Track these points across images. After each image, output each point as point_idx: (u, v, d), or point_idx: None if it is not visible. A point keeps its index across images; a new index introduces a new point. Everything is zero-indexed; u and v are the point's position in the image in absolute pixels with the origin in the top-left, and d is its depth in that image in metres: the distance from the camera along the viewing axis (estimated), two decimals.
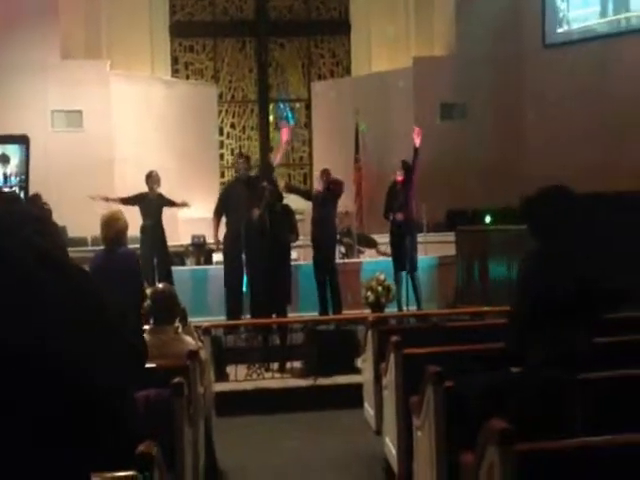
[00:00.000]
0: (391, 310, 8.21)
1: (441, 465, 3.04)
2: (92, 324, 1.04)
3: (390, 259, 8.72)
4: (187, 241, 10.08)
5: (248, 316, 7.75)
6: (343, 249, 9.91)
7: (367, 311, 7.87)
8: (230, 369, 6.62)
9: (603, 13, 11.91)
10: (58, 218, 5.03)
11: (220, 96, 13.90)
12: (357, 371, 6.08)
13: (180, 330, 4.22)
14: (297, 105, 14.41)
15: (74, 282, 1.06)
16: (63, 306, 1.01)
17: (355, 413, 5.26)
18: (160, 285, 4.77)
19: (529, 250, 3.20)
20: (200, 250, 9.79)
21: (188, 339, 4.20)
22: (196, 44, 13.96)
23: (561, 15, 12.31)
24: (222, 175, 13.66)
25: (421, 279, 8.50)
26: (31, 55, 11.09)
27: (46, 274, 1.02)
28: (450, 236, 9.41)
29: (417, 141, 8.43)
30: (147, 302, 4.43)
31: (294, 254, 8.54)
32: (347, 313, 8.07)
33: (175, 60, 13.81)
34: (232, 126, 14.14)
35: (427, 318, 7.15)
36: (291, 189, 8.76)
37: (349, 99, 12.95)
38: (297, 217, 7.86)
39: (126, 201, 8.35)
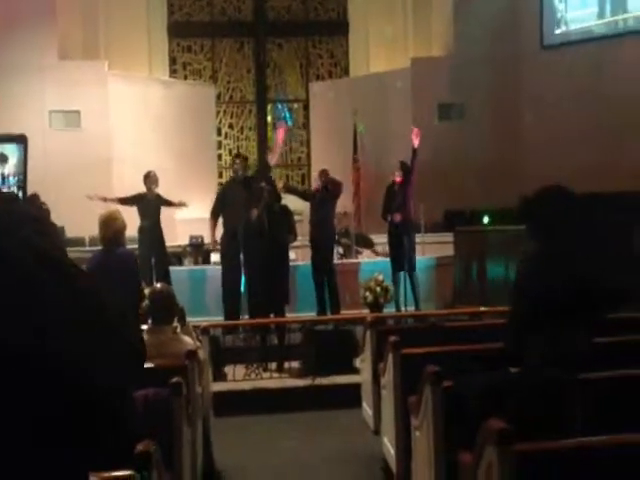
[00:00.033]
0: (389, 310, 8.22)
1: (439, 465, 3.04)
2: (92, 324, 1.04)
3: (388, 259, 8.73)
4: (185, 241, 10.08)
5: (246, 316, 7.75)
6: (341, 249, 9.92)
7: (365, 311, 7.88)
8: (228, 369, 6.62)
9: (601, 14, 11.92)
10: (56, 218, 5.02)
11: (218, 96, 13.90)
12: (355, 371, 6.08)
13: (178, 330, 4.22)
14: (295, 106, 14.42)
15: (74, 282, 1.06)
16: (63, 306, 1.01)
17: (353, 413, 5.26)
18: (158, 285, 4.76)
19: (527, 250, 3.20)
20: (198, 250, 9.79)
21: (186, 339, 4.19)
22: (194, 44, 13.96)
23: (559, 16, 12.32)
24: (220, 175, 13.66)
25: (419, 279, 8.51)
26: (29, 55, 11.09)
27: (46, 274, 1.01)
28: (448, 236, 9.42)
29: (416, 142, 8.44)
30: (145, 302, 4.42)
31: (292, 254, 8.54)
32: (345, 313, 8.08)
33: (173, 60, 13.80)
34: (230, 126, 14.14)
35: (425, 318, 7.15)
36: (290, 190, 8.77)
37: (347, 100, 12.96)
38: (295, 218, 7.87)
39: (124, 201, 8.35)
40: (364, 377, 5.12)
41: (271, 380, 6.63)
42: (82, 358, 1.00)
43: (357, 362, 5.99)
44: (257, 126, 14.05)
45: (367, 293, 8.14)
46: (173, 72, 13.75)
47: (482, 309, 6.99)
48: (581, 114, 11.37)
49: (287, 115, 14.34)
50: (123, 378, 1.08)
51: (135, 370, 1.17)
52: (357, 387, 5.29)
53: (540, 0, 12.21)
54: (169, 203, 8.83)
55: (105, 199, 8.39)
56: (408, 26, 13.31)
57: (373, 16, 13.47)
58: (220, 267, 8.48)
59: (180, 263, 9.74)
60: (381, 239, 9.60)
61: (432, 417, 3.08)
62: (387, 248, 8.97)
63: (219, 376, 6.38)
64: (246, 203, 7.49)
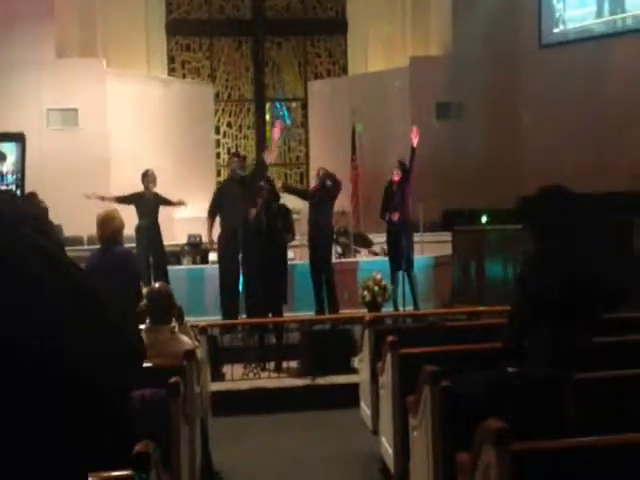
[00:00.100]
0: (387, 310, 8.21)
1: (437, 465, 3.04)
2: (92, 324, 1.04)
3: (386, 258, 8.73)
4: (183, 240, 10.06)
5: (244, 316, 7.75)
6: (339, 249, 9.91)
7: (363, 311, 7.87)
8: (226, 369, 6.62)
9: (599, 13, 11.93)
10: (54, 217, 5.00)
11: (216, 95, 13.89)
12: (353, 371, 6.08)
13: (176, 329, 4.21)
14: (293, 104, 14.41)
15: (74, 282, 1.05)
16: (64, 306, 1.01)
17: (351, 413, 5.26)
18: (156, 284, 4.75)
19: (527, 250, 3.20)
20: (196, 249, 9.78)
21: (184, 338, 4.19)
22: (192, 43, 13.94)
23: (557, 15, 12.33)
24: (218, 174, 13.64)
25: (418, 279, 8.51)
26: (26, 53, 11.06)
27: (47, 274, 1.01)
28: (446, 236, 9.42)
29: (415, 141, 8.44)
30: (143, 301, 4.41)
31: (291, 254, 8.53)
32: (343, 313, 8.08)
33: (171, 59, 13.79)
34: (228, 125, 14.13)
35: (424, 318, 7.15)
36: (288, 189, 8.76)
37: (345, 98, 12.96)
38: (294, 217, 7.86)
39: (122, 200, 8.33)
40: (362, 377, 5.12)
41: (269, 380, 6.62)
42: (83, 358, 0.99)
43: (355, 362, 5.98)
44: (255, 125, 14.05)
45: (365, 292, 8.14)
46: (171, 70, 13.73)
47: (480, 308, 6.99)
48: (579, 113, 11.38)
49: (285, 114, 14.33)
50: (123, 378, 1.08)
51: (134, 370, 1.17)
52: (355, 387, 5.29)
53: None
54: (167, 202, 8.82)
55: (103, 198, 8.38)
56: (407, 25, 13.31)
57: (372, 15, 13.47)
58: (218, 266, 8.47)
59: (178, 262, 9.73)
60: (379, 238, 9.60)
61: (430, 417, 3.07)
62: (385, 247, 8.97)
63: (217, 376, 6.37)
64: (243, 202, 7.48)
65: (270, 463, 4.93)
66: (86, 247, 9.04)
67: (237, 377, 6.59)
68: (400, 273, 8.38)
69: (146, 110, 12.22)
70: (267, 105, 14.22)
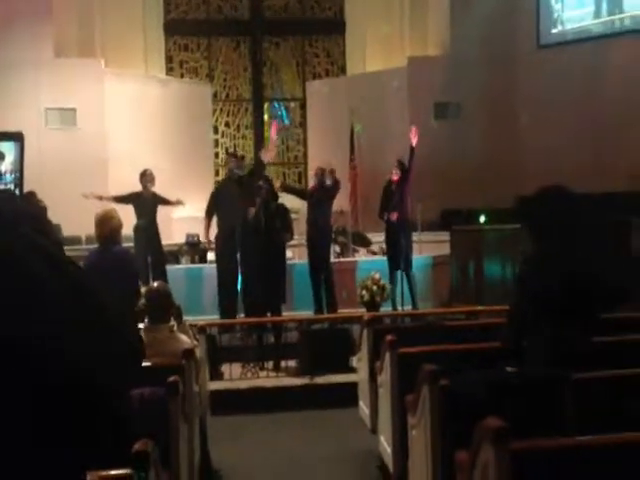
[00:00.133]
0: (386, 309, 8.22)
1: (436, 463, 3.04)
2: (92, 324, 1.03)
3: (384, 258, 8.73)
4: (181, 240, 10.06)
5: (243, 315, 7.74)
6: (338, 248, 9.91)
7: (362, 310, 7.87)
8: (225, 368, 6.62)
9: (597, 14, 11.94)
10: (52, 216, 4.95)
11: (215, 95, 13.89)
12: (352, 370, 6.08)
13: (175, 328, 4.21)
14: (292, 104, 14.41)
15: (73, 280, 1.05)
16: (63, 306, 1.01)
17: (350, 412, 5.26)
18: (155, 284, 4.75)
19: (526, 250, 3.20)
20: (194, 249, 9.78)
21: (183, 337, 4.19)
22: (190, 42, 13.94)
23: (555, 15, 12.34)
24: (217, 173, 13.64)
25: (416, 278, 8.51)
26: (25, 53, 11.05)
27: (47, 273, 1.01)
28: (445, 235, 9.42)
29: (414, 141, 8.44)
30: (142, 301, 4.41)
31: (289, 253, 8.53)
32: (342, 312, 8.08)
33: (169, 58, 13.78)
34: (227, 125, 14.13)
35: (422, 317, 7.16)
36: (287, 189, 8.76)
37: (344, 98, 12.96)
38: (292, 216, 7.86)
39: (120, 199, 8.32)
40: (361, 376, 5.12)
41: (268, 379, 6.62)
42: (82, 358, 0.99)
43: (354, 361, 5.98)
44: (253, 124, 14.05)
45: (364, 292, 8.14)
46: (169, 70, 13.72)
47: (479, 308, 7.00)
48: (577, 113, 11.39)
49: (284, 113, 14.33)
50: (122, 378, 1.08)
51: (134, 369, 1.17)
52: (354, 386, 5.29)
53: None
54: (166, 201, 8.81)
55: (101, 197, 8.37)
56: (405, 25, 13.31)
57: (370, 15, 13.47)
58: (216, 266, 8.47)
59: (177, 262, 9.72)
60: (378, 238, 9.60)
61: (429, 416, 3.08)
62: (384, 247, 8.97)
63: (216, 375, 6.37)
64: (241, 202, 7.48)
65: (269, 462, 4.93)
66: (84, 246, 9.03)
67: (236, 376, 6.59)
68: (399, 273, 8.39)
69: (144, 110, 12.21)
70: (265, 105, 14.21)
